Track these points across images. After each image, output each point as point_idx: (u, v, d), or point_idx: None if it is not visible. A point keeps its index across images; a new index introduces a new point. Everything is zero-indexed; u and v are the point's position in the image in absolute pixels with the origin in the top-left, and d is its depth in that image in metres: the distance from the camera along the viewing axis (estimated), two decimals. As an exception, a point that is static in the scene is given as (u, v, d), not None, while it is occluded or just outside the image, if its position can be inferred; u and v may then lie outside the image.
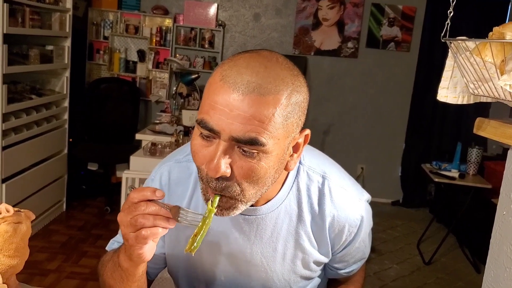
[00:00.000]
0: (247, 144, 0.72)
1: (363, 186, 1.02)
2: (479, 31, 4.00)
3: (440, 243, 3.45)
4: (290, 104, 0.74)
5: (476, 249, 3.49)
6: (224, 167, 0.73)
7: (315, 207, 0.93)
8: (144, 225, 0.73)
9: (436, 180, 3.38)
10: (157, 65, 4.59)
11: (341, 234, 0.95)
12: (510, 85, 0.72)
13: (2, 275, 0.79)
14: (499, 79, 0.74)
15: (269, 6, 4.53)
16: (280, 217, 0.92)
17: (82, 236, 3.34)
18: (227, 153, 0.73)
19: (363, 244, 1.01)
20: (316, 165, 0.94)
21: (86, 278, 2.77)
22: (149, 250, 0.79)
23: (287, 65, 0.77)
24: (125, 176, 2.60)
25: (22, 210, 0.83)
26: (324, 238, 0.95)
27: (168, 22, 4.55)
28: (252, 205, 0.85)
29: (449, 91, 0.89)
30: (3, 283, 0.80)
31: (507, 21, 0.79)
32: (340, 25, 4.52)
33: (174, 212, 0.74)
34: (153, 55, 4.55)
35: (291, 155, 0.81)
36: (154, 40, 4.53)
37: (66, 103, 3.57)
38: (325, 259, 0.99)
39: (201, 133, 0.75)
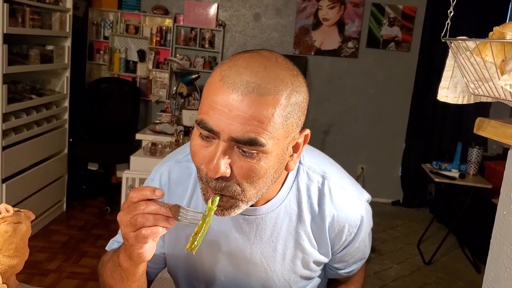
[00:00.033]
0: (247, 145, 0.72)
1: (363, 186, 1.02)
2: (480, 31, 4.00)
3: (440, 243, 3.45)
4: (289, 104, 0.74)
5: (477, 249, 3.49)
6: (224, 168, 0.73)
7: (315, 207, 0.93)
8: (144, 225, 0.73)
9: (437, 180, 3.38)
10: (157, 65, 4.59)
11: (341, 234, 0.95)
12: (510, 85, 0.72)
13: (2, 275, 0.79)
14: (499, 79, 0.74)
15: (270, 6, 4.53)
16: (280, 217, 0.92)
17: (82, 236, 3.34)
18: (226, 153, 0.73)
19: (363, 244, 1.01)
20: (316, 165, 0.94)
21: (86, 278, 2.77)
22: (149, 249, 0.78)
23: (287, 65, 0.77)
24: (125, 176, 2.60)
25: (22, 210, 0.83)
26: (324, 238, 0.95)
27: (168, 22, 4.55)
28: (252, 205, 0.85)
29: (449, 91, 0.89)
30: (3, 283, 0.80)
31: (507, 21, 0.79)
32: (340, 25, 4.51)
33: (174, 211, 0.74)
34: (153, 55, 4.55)
35: (291, 155, 0.81)
36: (154, 40, 4.53)
37: (66, 103, 3.57)
38: (325, 259, 0.99)
39: (200, 134, 0.75)
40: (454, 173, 3.46)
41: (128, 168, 2.76)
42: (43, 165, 3.32)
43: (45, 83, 3.50)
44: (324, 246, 0.97)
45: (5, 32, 2.68)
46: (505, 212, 0.85)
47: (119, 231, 0.98)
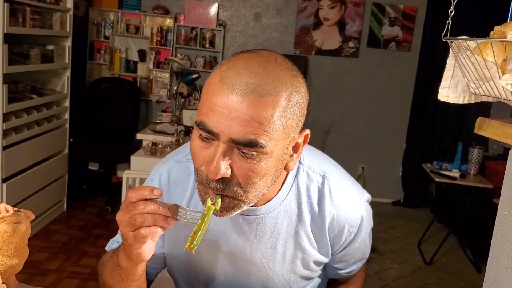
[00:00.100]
0: (246, 146, 0.71)
1: (364, 186, 1.02)
2: (480, 30, 3.98)
3: (441, 243, 3.45)
4: (289, 105, 0.73)
5: (477, 249, 3.49)
6: (224, 169, 0.73)
7: (314, 207, 0.93)
8: (143, 224, 0.73)
9: (437, 180, 3.38)
10: (157, 65, 4.59)
11: (341, 234, 0.95)
12: (511, 84, 0.72)
13: (2, 275, 0.79)
14: (500, 78, 0.74)
15: (270, 5, 4.53)
16: (280, 217, 0.92)
17: (82, 236, 3.34)
18: (226, 154, 0.73)
19: (363, 244, 1.01)
20: (316, 165, 0.94)
21: (86, 278, 2.77)
22: (148, 249, 0.78)
23: (286, 65, 0.76)
24: (126, 176, 2.60)
25: (21, 210, 0.83)
26: (324, 238, 0.95)
27: (168, 21, 4.55)
28: (251, 205, 0.85)
29: (450, 91, 0.89)
30: (3, 283, 0.80)
31: (508, 20, 0.79)
32: (341, 24, 4.51)
33: (173, 211, 0.74)
34: (153, 54, 4.55)
35: (291, 155, 0.81)
36: (154, 40, 4.53)
37: (66, 103, 3.57)
38: (325, 259, 0.99)
39: (200, 135, 0.75)
40: (455, 173, 3.45)
41: (129, 168, 2.76)
42: (43, 165, 3.32)
43: (45, 83, 3.50)
44: (324, 246, 0.96)
45: (5, 32, 2.68)
46: (506, 212, 0.85)
47: (119, 231, 0.98)
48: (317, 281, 1.06)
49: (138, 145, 3.42)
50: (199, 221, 0.74)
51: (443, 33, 0.84)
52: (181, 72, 4.01)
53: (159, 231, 0.75)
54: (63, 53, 3.46)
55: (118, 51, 4.57)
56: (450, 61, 0.88)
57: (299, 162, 0.92)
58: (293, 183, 0.92)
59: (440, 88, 0.89)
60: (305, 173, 0.92)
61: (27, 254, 0.83)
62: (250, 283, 0.98)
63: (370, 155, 4.70)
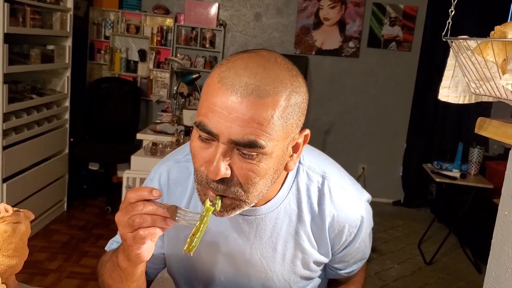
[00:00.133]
0: (246, 147, 0.71)
1: (364, 186, 1.02)
2: (481, 30, 3.98)
3: (441, 243, 3.45)
4: (289, 106, 0.73)
5: (478, 249, 3.49)
6: (224, 169, 0.73)
7: (314, 207, 0.92)
8: (142, 225, 0.73)
9: (438, 180, 3.38)
10: (158, 64, 4.59)
11: (341, 234, 0.95)
12: (511, 84, 0.72)
13: (1, 275, 0.79)
14: (500, 78, 0.74)
15: (270, 5, 4.53)
16: (280, 217, 0.92)
17: (83, 236, 3.34)
18: (226, 155, 0.73)
19: (363, 244, 1.00)
20: (316, 165, 0.94)
21: (86, 278, 2.77)
22: (147, 250, 0.78)
23: (286, 65, 0.76)
24: (126, 176, 2.60)
25: (21, 210, 0.83)
26: (324, 238, 0.95)
27: (169, 21, 4.55)
28: (252, 206, 0.85)
29: (450, 91, 0.88)
30: (2, 283, 0.80)
31: (508, 20, 0.78)
32: (341, 24, 4.51)
33: (172, 212, 0.74)
34: (154, 54, 4.55)
35: (291, 155, 0.81)
36: (155, 40, 4.53)
37: (67, 103, 3.57)
38: (325, 259, 0.99)
39: (199, 135, 0.75)
40: (455, 173, 3.45)
41: (129, 168, 2.76)
42: (43, 165, 3.32)
43: (45, 82, 3.50)
44: (324, 246, 0.96)
45: (5, 31, 2.68)
46: (506, 212, 0.84)
47: (118, 231, 0.98)
48: (317, 281, 1.06)
49: (138, 145, 3.42)
50: (198, 223, 0.74)
51: (443, 33, 0.84)
52: (181, 72, 4.01)
53: (158, 232, 0.75)
54: (63, 53, 3.46)
55: (118, 51, 4.57)
56: (450, 61, 0.87)
57: (299, 162, 0.92)
58: (293, 183, 0.91)
59: (440, 88, 0.89)
60: (305, 173, 0.92)
61: (27, 254, 0.83)
62: (250, 283, 0.98)
63: (370, 155, 4.70)
